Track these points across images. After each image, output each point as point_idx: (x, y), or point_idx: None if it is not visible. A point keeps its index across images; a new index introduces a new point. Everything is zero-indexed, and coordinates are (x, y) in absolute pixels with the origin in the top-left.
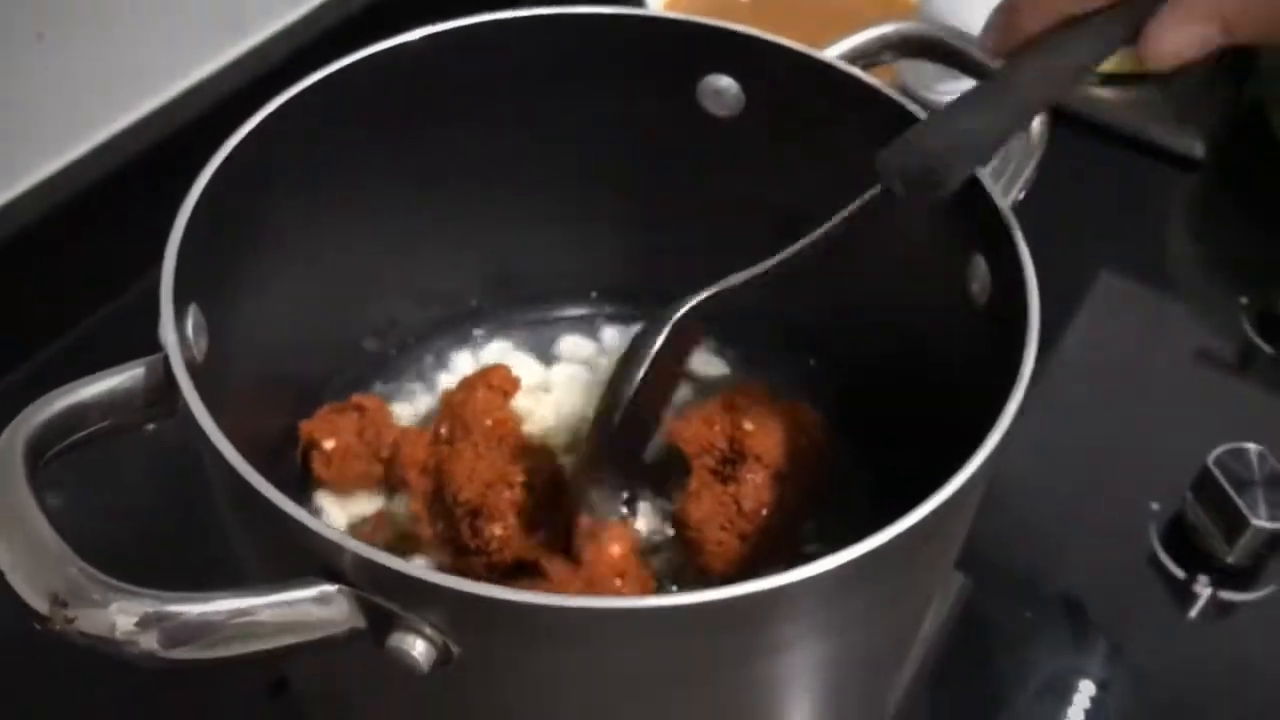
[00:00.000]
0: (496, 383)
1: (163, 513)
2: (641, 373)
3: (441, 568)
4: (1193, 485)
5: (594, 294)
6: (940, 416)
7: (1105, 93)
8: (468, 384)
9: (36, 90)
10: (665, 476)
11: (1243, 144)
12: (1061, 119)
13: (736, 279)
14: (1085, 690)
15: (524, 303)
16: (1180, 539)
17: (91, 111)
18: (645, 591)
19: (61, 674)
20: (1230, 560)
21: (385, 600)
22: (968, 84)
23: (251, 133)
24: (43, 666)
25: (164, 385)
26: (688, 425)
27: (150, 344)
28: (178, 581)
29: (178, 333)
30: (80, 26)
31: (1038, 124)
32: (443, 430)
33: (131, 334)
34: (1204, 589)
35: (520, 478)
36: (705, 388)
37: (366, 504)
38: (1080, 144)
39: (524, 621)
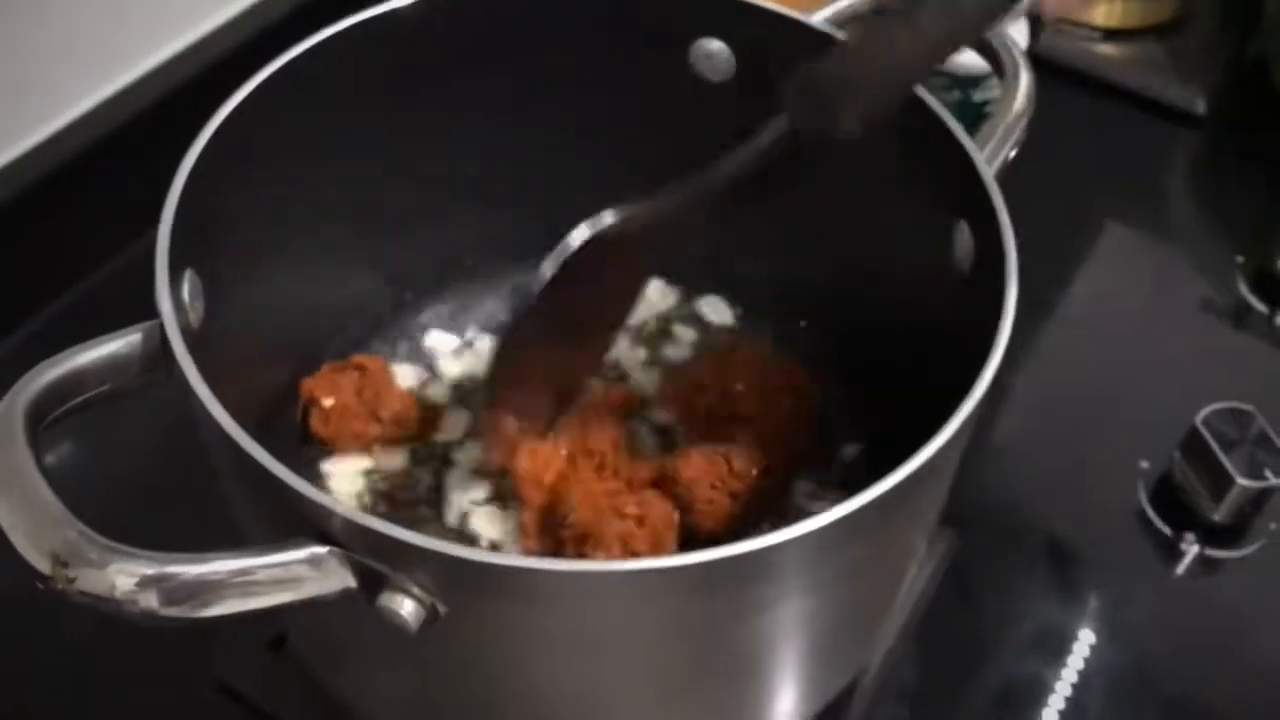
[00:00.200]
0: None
1: (162, 470)
2: (534, 301)
3: None
4: (1181, 444)
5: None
6: (928, 379)
7: (1107, 48)
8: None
9: (29, 54)
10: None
11: (1245, 100)
12: (1062, 75)
13: (640, 206)
14: (1071, 645)
15: (516, 260)
16: (1168, 497)
17: (83, 76)
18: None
19: (64, 629)
20: (1217, 518)
21: (375, 562)
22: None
23: (246, 99)
24: (50, 622)
25: (160, 351)
26: (678, 388)
27: (149, 306)
28: (177, 538)
29: (173, 299)
30: None
31: (1024, 83)
32: (563, 450)
33: (131, 296)
34: (1190, 546)
35: (633, 510)
36: (711, 333)
37: (366, 461)
38: (1081, 100)
39: (508, 583)
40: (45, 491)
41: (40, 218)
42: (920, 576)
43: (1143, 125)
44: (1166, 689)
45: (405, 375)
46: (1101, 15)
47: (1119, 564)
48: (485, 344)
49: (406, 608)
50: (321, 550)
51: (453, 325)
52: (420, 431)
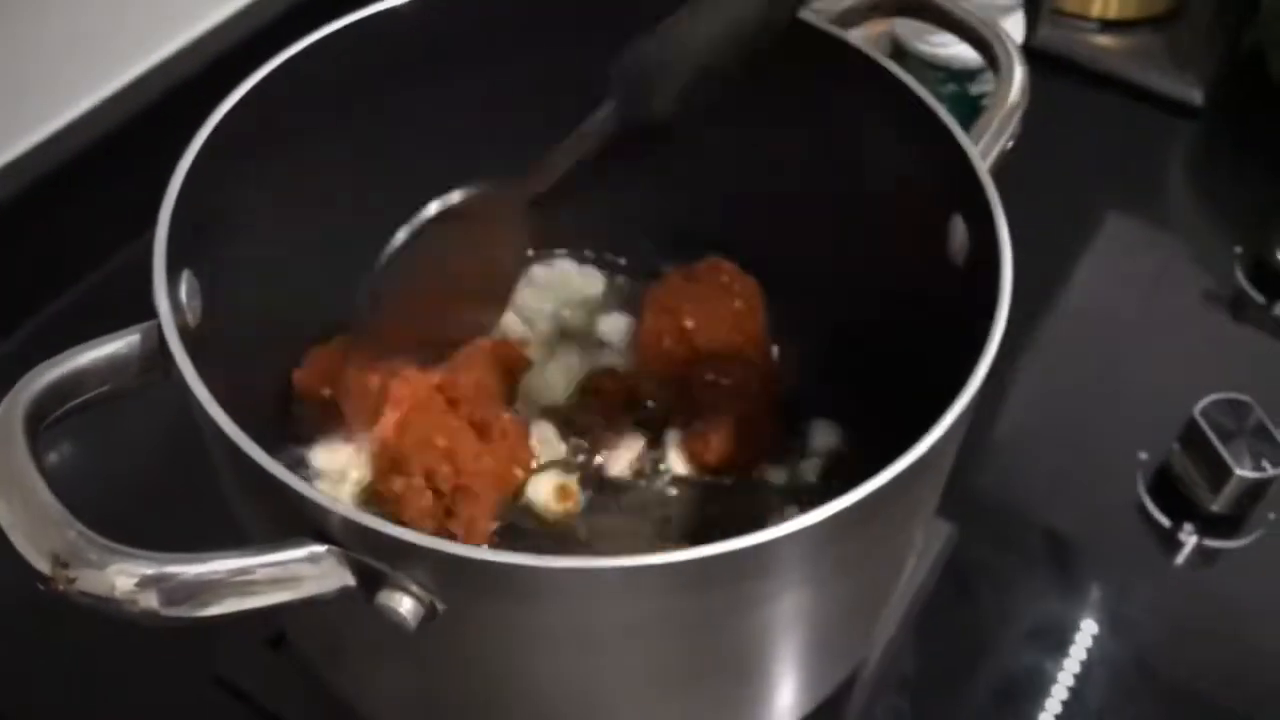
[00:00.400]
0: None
1: (162, 469)
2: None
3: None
4: (1179, 435)
5: (588, 252)
6: (922, 373)
7: (1104, 39)
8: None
9: (27, 54)
10: None
11: (1242, 91)
12: (1058, 66)
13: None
14: (1071, 636)
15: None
16: (1167, 488)
17: (82, 76)
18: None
19: (66, 628)
20: (1215, 509)
21: (374, 560)
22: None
23: (241, 99)
24: (52, 621)
25: (159, 351)
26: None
27: (149, 306)
28: (177, 536)
29: (171, 299)
30: None
31: (1018, 76)
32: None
33: (131, 296)
34: (1189, 537)
35: (442, 442)
36: None
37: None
38: (1078, 92)
39: (505, 580)
40: (45, 492)
41: (39, 218)
42: (919, 569)
43: (1140, 116)
44: (1166, 679)
45: None
46: (1098, 6)
47: (1118, 555)
48: None
49: (405, 605)
50: (320, 549)
51: None
52: None
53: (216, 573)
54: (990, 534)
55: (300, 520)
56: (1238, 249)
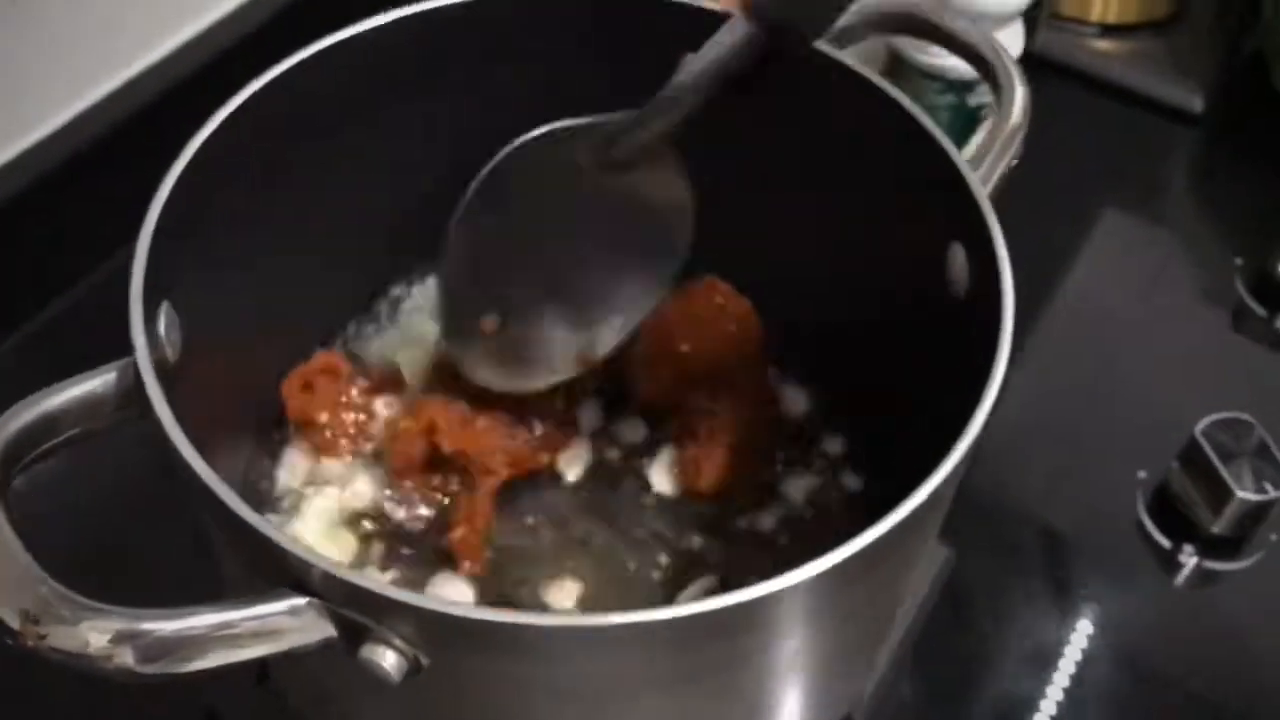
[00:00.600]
0: None
1: (143, 500)
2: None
3: None
4: (1179, 455)
5: None
6: (920, 402)
7: (1104, 44)
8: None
9: (15, 58)
10: None
11: (1243, 98)
12: (1057, 71)
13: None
14: (1068, 657)
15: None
16: (1166, 507)
17: (71, 81)
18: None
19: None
20: (1215, 530)
21: (356, 614)
22: None
23: (215, 131)
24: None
25: (135, 389)
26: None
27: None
28: (159, 575)
29: (148, 336)
30: None
31: (1020, 96)
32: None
33: (122, 304)
34: (1189, 558)
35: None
36: None
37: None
38: (1077, 97)
39: (492, 637)
40: (15, 544)
41: (30, 222)
42: (916, 592)
43: (1139, 123)
44: (1165, 702)
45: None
46: (1098, 10)
47: (1116, 575)
48: None
49: (389, 659)
50: (301, 601)
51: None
52: None
53: (193, 628)
54: (987, 554)
55: (281, 572)
56: (1238, 260)
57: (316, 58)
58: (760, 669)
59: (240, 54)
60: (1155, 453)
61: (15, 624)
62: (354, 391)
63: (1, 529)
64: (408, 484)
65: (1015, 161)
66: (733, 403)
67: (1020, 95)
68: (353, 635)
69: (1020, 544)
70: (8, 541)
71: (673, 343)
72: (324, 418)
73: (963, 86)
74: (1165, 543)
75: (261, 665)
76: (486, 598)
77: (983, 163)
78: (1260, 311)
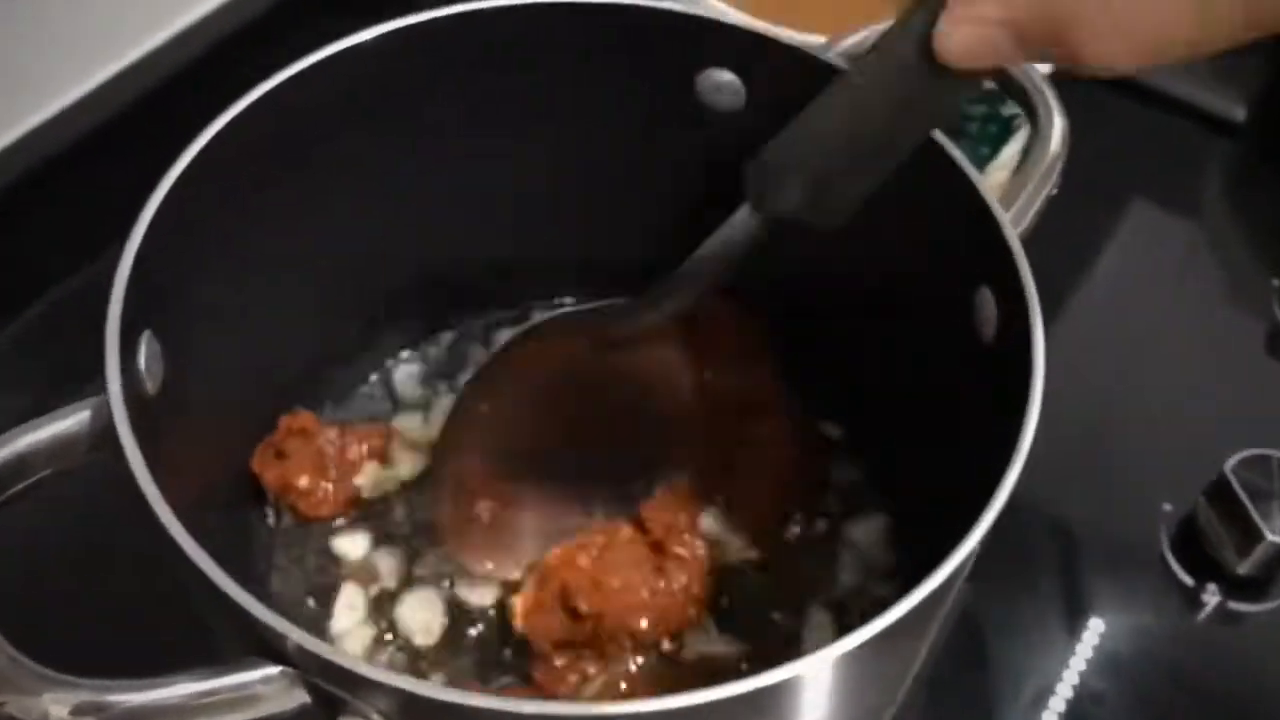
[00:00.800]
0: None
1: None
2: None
3: None
4: (1207, 490)
5: (571, 299)
6: (948, 449)
7: None
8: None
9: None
10: None
11: None
12: (1096, 79)
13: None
14: (1084, 695)
15: (507, 305)
16: (1191, 542)
17: (59, 72)
18: None
19: None
20: (1241, 571)
21: (333, 688)
22: None
23: (197, 157)
24: None
25: (109, 429)
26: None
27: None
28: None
29: (125, 369)
30: None
31: (1058, 128)
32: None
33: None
34: (1212, 597)
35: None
36: None
37: None
38: (1115, 105)
39: None
40: None
41: (20, 214)
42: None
43: (1178, 131)
44: None
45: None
46: None
47: (1137, 611)
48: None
49: None
50: (274, 670)
51: (425, 383)
52: None
53: (162, 700)
54: (1003, 586)
55: (257, 641)
56: (1275, 281)
57: (302, 74)
58: None
59: (240, 42)
60: (1182, 485)
61: None
62: (330, 450)
63: None
64: (558, 662)
65: (1055, 191)
66: (768, 432)
67: (1059, 127)
68: (329, 706)
69: (1038, 576)
70: None
71: (697, 373)
72: (304, 482)
73: (996, 94)
74: (1188, 580)
75: None
76: None
77: (1014, 203)
78: None
